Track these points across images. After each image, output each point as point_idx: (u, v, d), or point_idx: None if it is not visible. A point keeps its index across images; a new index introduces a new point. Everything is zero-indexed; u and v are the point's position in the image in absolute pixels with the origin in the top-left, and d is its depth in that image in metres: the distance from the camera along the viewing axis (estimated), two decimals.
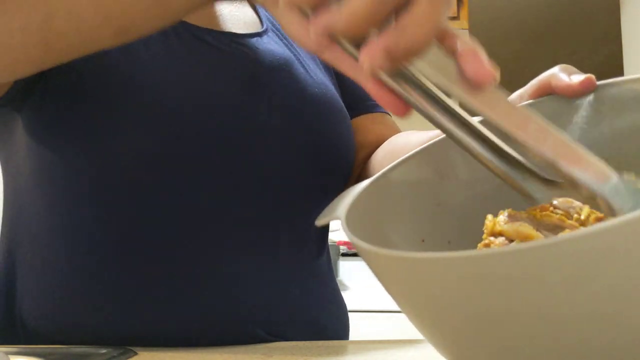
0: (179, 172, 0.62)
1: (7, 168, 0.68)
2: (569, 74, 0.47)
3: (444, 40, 0.35)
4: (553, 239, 0.28)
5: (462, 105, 0.36)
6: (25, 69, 0.52)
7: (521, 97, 0.50)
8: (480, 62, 0.34)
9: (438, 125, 0.37)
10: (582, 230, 0.28)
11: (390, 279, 0.36)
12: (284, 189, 0.67)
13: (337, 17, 0.33)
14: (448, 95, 0.35)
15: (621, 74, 2.65)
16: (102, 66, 0.61)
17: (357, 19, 0.32)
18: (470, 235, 0.44)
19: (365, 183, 0.44)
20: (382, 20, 0.32)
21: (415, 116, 0.38)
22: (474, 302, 0.31)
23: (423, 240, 0.44)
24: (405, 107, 0.36)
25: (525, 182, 0.39)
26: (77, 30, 0.47)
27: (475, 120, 0.38)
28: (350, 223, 0.38)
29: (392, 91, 0.36)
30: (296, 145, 0.67)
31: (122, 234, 0.62)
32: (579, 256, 0.27)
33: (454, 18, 2.30)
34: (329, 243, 0.77)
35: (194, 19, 0.67)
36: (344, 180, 0.73)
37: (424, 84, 0.35)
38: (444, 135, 0.42)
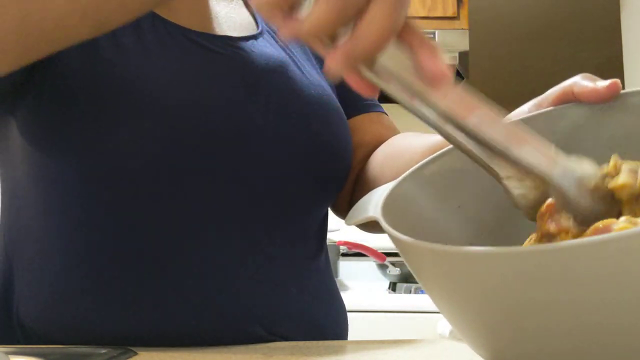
0: (175, 173, 0.62)
1: (4, 169, 0.68)
2: (593, 80, 0.48)
3: (404, 36, 0.37)
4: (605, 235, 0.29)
5: (420, 98, 0.37)
6: (4, 67, 0.53)
7: (540, 105, 0.50)
8: (435, 61, 0.36)
9: (413, 113, 0.39)
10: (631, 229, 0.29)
11: (433, 274, 0.36)
12: (281, 189, 0.67)
13: (302, 24, 0.36)
14: (408, 89, 0.37)
15: (621, 73, 2.64)
16: (97, 68, 0.61)
17: (319, 26, 0.35)
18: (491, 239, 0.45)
19: (396, 182, 0.45)
20: (345, 24, 0.35)
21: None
22: (515, 298, 0.31)
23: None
24: (373, 89, 0.38)
25: (494, 164, 0.40)
26: (54, 27, 0.48)
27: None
28: (388, 219, 0.39)
29: (367, 80, 0.38)
30: (293, 146, 0.67)
31: (119, 234, 0.62)
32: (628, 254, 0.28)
33: (454, 18, 2.29)
34: (329, 243, 0.77)
35: (189, 22, 0.67)
36: (342, 179, 0.74)
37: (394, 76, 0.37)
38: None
